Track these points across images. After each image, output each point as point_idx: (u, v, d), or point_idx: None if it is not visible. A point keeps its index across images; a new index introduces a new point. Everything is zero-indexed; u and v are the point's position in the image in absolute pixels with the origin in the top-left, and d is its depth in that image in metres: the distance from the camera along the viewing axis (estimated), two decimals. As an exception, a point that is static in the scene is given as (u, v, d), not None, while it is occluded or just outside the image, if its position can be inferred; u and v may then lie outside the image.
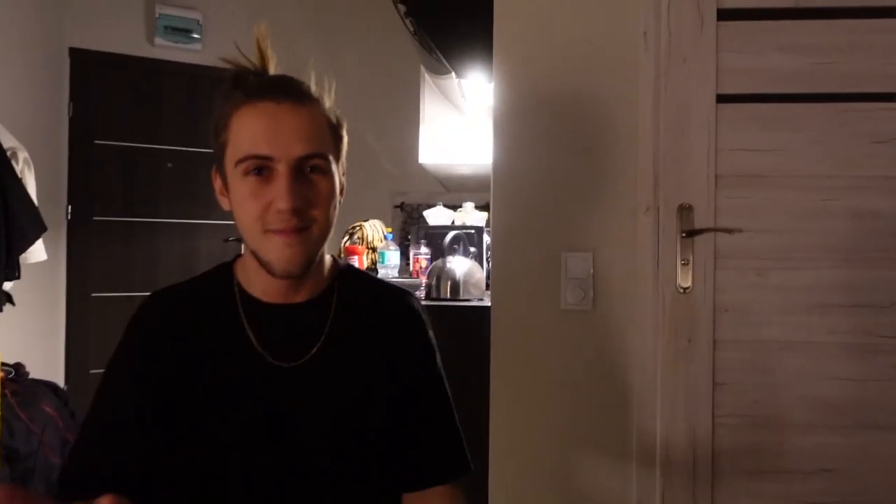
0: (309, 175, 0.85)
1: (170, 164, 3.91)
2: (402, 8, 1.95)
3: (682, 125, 1.64)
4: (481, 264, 2.33)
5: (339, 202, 0.91)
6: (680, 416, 1.62)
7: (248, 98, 0.85)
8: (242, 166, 0.83)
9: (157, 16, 3.82)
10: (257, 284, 0.91)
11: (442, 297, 2.07)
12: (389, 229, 2.74)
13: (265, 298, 0.91)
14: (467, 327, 1.85)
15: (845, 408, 1.61)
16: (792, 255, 1.62)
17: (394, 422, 0.91)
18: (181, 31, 3.87)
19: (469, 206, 2.75)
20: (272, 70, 0.91)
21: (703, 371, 1.62)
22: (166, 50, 3.86)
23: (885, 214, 1.61)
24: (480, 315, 1.76)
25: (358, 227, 2.61)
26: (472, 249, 2.37)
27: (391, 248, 2.48)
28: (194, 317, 0.90)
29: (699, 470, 1.61)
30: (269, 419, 0.83)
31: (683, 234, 1.62)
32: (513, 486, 1.70)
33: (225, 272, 0.95)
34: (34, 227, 2.53)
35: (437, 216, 2.78)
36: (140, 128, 3.86)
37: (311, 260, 0.87)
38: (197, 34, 3.89)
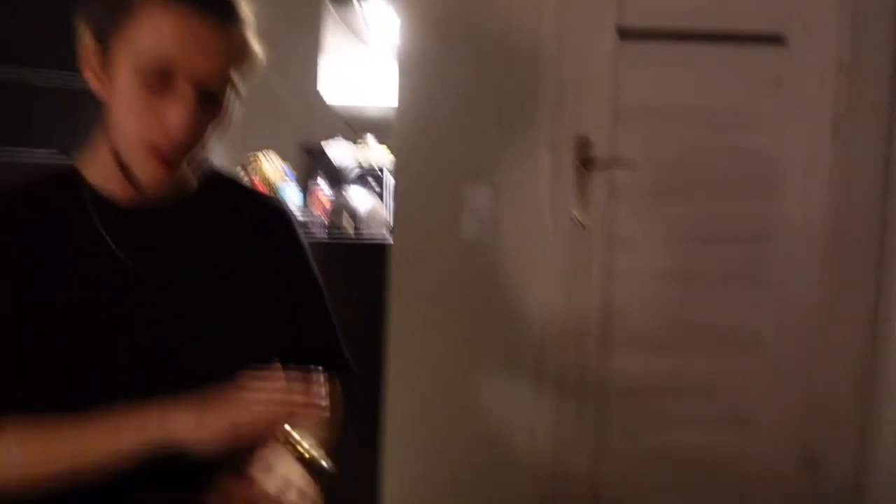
0: (211, 98, 0.76)
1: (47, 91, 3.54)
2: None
3: (584, 59, 1.64)
4: (386, 204, 2.28)
5: (218, 127, 0.83)
6: (572, 343, 1.68)
7: None
8: (142, 65, 0.72)
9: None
10: (115, 182, 0.80)
11: (345, 235, 2.01)
12: (288, 163, 2.61)
13: (124, 202, 0.80)
14: (370, 265, 1.81)
15: (726, 334, 1.72)
16: (682, 189, 1.68)
17: (269, 322, 0.86)
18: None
19: (371, 140, 2.66)
20: None
21: (597, 301, 1.68)
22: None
23: (765, 153, 1.69)
24: (383, 253, 1.73)
25: (253, 160, 2.47)
26: (376, 188, 2.31)
27: (289, 183, 2.37)
28: (35, 222, 0.78)
29: (588, 391, 1.68)
30: (137, 334, 0.76)
31: (580, 166, 1.64)
32: (411, 420, 1.71)
33: (64, 175, 0.82)
34: None
35: (338, 151, 2.68)
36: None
37: (177, 177, 0.80)
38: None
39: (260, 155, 2.40)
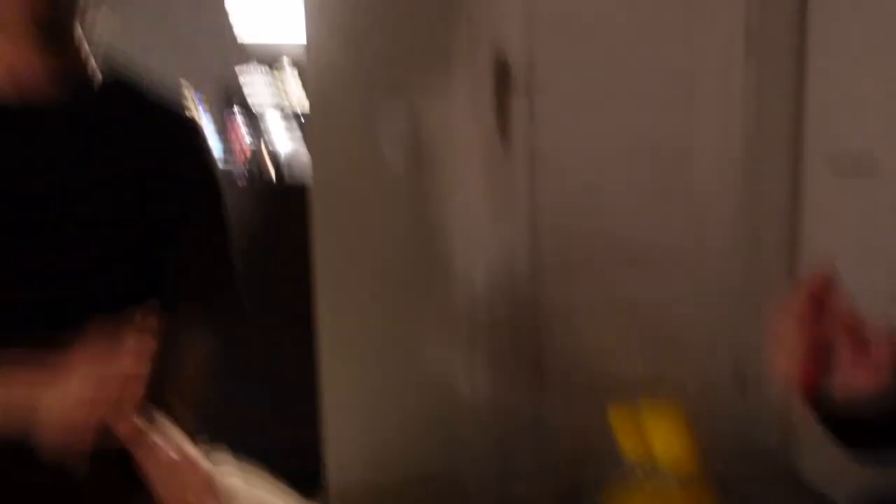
0: None
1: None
2: None
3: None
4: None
5: None
6: (501, 269, 1.66)
7: None
8: None
9: None
10: None
11: (265, 180, 1.93)
12: (205, 101, 2.39)
13: (8, 99, 0.72)
14: (293, 211, 1.73)
15: (651, 250, 1.71)
16: (604, 101, 1.66)
17: (161, 232, 0.79)
18: None
19: (287, 63, 2.44)
20: None
21: (522, 225, 1.66)
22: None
23: (674, 62, 1.67)
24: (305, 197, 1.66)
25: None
26: (298, 134, 2.20)
27: (202, 115, 2.18)
28: None
29: (523, 317, 1.68)
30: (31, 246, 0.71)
31: (500, 90, 1.60)
32: (343, 355, 1.67)
33: None
34: None
35: (253, 81, 2.46)
36: None
37: (54, 14, 0.70)
38: None
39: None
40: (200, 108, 2.24)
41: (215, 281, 0.85)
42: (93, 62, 0.78)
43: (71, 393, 0.62)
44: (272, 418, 1.74)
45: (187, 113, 0.91)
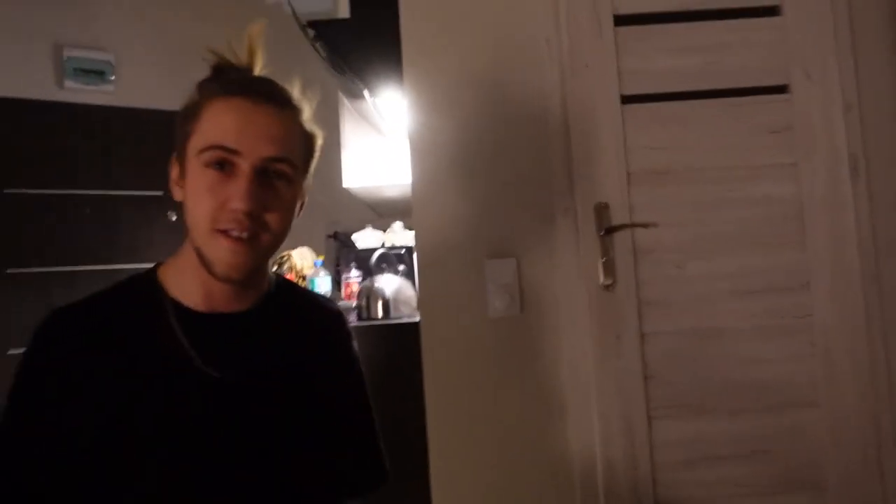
0: (272, 180, 0.80)
1: (88, 210, 3.74)
2: (310, 32, 1.93)
3: (591, 127, 1.66)
4: (413, 283, 2.30)
5: (297, 216, 0.86)
6: (615, 412, 1.62)
7: (225, 92, 0.80)
8: (205, 156, 0.78)
9: (64, 58, 3.68)
10: (194, 290, 0.84)
11: (373, 316, 2.03)
12: (321, 256, 2.69)
13: (202, 307, 0.84)
14: (400, 345, 1.80)
15: (770, 388, 1.64)
16: (703, 244, 1.65)
17: (319, 436, 0.86)
18: (92, 73, 3.73)
19: (398, 225, 2.73)
20: (257, 73, 0.87)
21: (633, 365, 1.63)
22: (76, 93, 3.71)
23: (779, 199, 1.67)
24: (412, 332, 1.73)
25: (286, 257, 2.55)
26: (402, 267, 2.34)
27: (321, 274, 2.43)
28: (115, 327, 0.80)
29: (640, 464, 1.61)
30: (213, 437, 0.75)
31: (602, 233, 1.64)
32: (452, 492, 1.65)
33: (144, 282, 0.86)
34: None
35: (366, 239, 2.75)
36: (54, 174, 3.68)
37: (255, 268, 0.82)
38: (110, 75, 3.77)
39: (293, 252, 2.46)
40: (317, 263, 2.42)
41: (372, 480, 0.92)
42: (270, 276, 0.89)
43: None
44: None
45: (335, 307, 1.00)
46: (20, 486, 0.73)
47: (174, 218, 3.76)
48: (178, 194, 0.84)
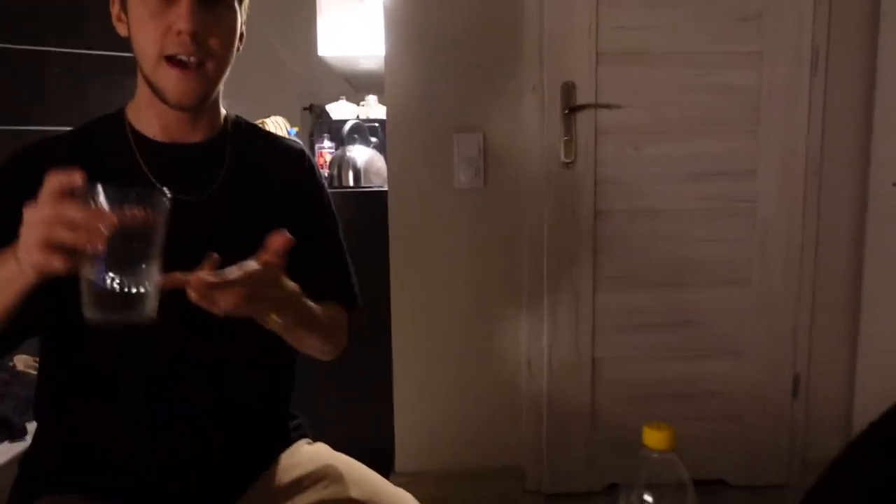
0: (212, 5, 0.81)
1: (57, 69, 3.61)
2: None
3: (566, 4, 1.66)
4: (385, 156, 2.33)
5: (239, 49, 0.88)
6: (565, 282, 1.74)
7: None
8: None
9: None
10: (152, 121, 0.87)
11: (344, 185, 2.07)
12: (297, 127, 2.68)
13: (161, 138, 0.88)
14: (370, 213, 1.86)
15: (708, 266, 1.76)
16: (665, 128, 1.71)
17: (294, 256, 0.92)
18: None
19: (372, 98, 2.71)
20: None
21: (585, 239, 1.72)
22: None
23: (739, 87, 1.71)
24: (382, 201, 1.78)
25: (261, 123, 2.54)
26: (374, 140, 2.36)
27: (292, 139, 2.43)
28: (82, 156, 0.81)
29: (581, 327, 1.75)
30: (176, 254, 0.81)
31: (566, 111, 1.68)
32: (413, 353, 1.79)
33: (112, 118, 0.90)
34: None
35: (340, 110, 2.73)
36: (21, 29, 3.51)
37: (206, 96, 0.85)
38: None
39: (267, 120, 2.45)
40: (291, 134, 2.42)
41: (348, 296, 0.99)
42: (221, 108, 0.92)
43: (29, 237, 0.63)
44: (350, 410, 1.88)
45: (298, 145, 1.04)
46: None
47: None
48: (122, 29, 0.86)
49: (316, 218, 0.98)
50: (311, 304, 0.85)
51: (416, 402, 1.80)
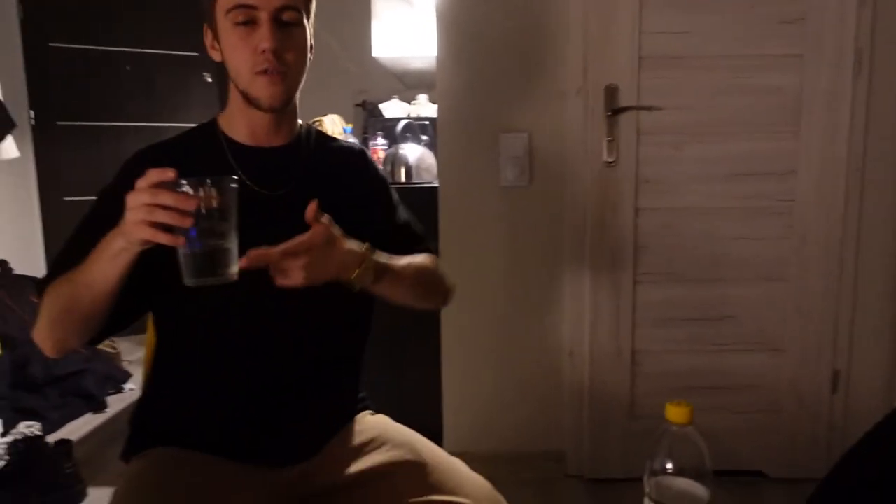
0: (286, 26, 0.97)
1: (128, 67, 3.84)
2: None
3: (609, 11, 1.72)
4: (435, 153, 2.43)
5: (310, 58, 1.02)
6: (606, 277, 1.81)
7: None
8: (232, 15, 0.95)
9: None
10: (242, 128, 1.03)
11: (396, 180, 2.18)
12: (350, 124, 2.81)
13: (249, 142, 1.03)
14: (421, 208, 1.95)
15: (746, 263, 1.81)
16: (705, 129, 1.76)
17: (372, 235, 1.05)
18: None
19: (423, 98, 2.82)
20: None
21: (626, 236, 1.79)
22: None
23: (781, 90, 1.74)
24: (432, 196, 1.89)
25: (318, 122, 2.67)
26: (425, 138, 2.46)
27: (350, 140, 2.57)
28: (185, 158, 0.97)
29: (622, 320, 1.82)
30: (260, 240, 0.87)
31: (609, 113, 1.74)
32: (461, 342, 1.90)
33: (208, 126, 1.07)
34: (4, 124, 2.55)
35: (392, 109, 2.85)
36: (95, 30, 3.75)
37: (289, 98, 1.01)
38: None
39: (325, 118, 2.59)
40: (347, 131, 2.56)
41: (430, 248, 1.14)
42: (297, 117, 1.06)
43: (130, 218, 0.77)
44: (401, 393, 2.00)
45: (357, 145, 1.18)
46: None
47: (209, 79, 3.85)
48: (216, 56, 1.03)
49: (379, 201, 1.12)
50: (390, 256, 0.97)
51: (464, 388, 1.91)
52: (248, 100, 0.99)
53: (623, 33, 1.72)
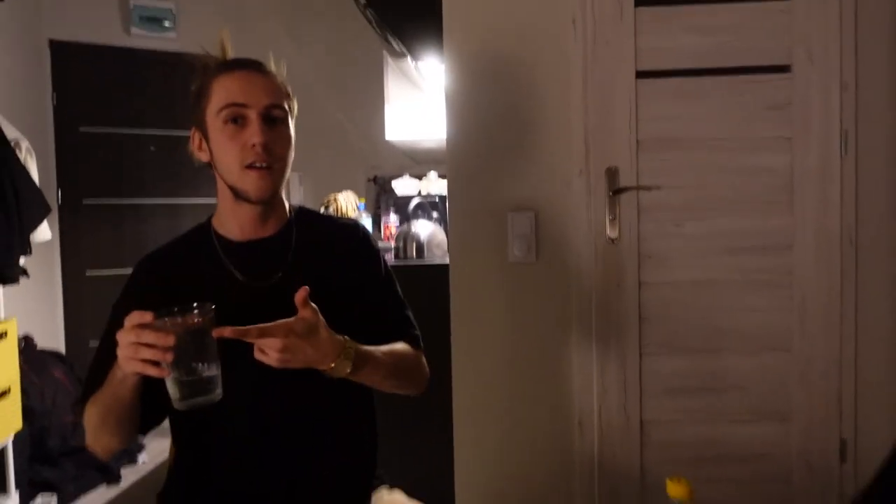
0: (273, 122, 1.06)
1: (153, 148, 4.03)
2: (361, 0, 2.11)
3: (607, 99, 1.84)
4: (445, 229, 2.53)
5: (292, 154, 1.11)
6: (613, 349, 1.86)
7: (226, 69, 1.08)
8: (223, 113, 1.04)
9: (131, 6, 3.90)
10: (232, 225, 1.10)
11: (408, 257, 2.27)
12: (362, 199, 2.93)
13: (239, 237, 1.10)
14: (432, 284, 2.04)
15: (750, 334, 1.86)
16: (701, 206, 1.84)
17: (358, 317, 1.10)
18: (155, 21, 3.95)
19: (433, 174, 2.95)
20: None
21: (631, 309, 1.85)
22: (142, 39, 3.94)
23: (772, 169, 1.83)
24: (443, 272, 1.96)
25: (332, 199, 2.79)
26: (436, 215, 2.57)
27: (363, 216, 2.67)
28: (182, 260, 1.10)
29: (629, 390, 1.86)
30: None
31: (611, 193, 1.84)
32: (472, 414, 1.93)
33: (203, 227, 1.16)
34: (41, 209, 2.70)
35: (404, 186, 2.97)
36: (122, 114, 3.96)
37: (276, 189, 1.09)
38: (170, 23, 3.98)
39: (339, 195, 2.71)
40: (360, 206, 2.67)
41: (412, 334, 1.17)
42: (286, 203, 1.15)
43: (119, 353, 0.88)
44: (416, 466, 2.02)
45: (356, 222, 1.27)
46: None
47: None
48: (203, 157, 1.12)
49: (374, 276, 1.18)
50: (371, 347, 1.03)
51: (475, 460, 1.92)
52: (237, 194, 1.07)
53: (621, 120, 1.83)
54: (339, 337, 0.98)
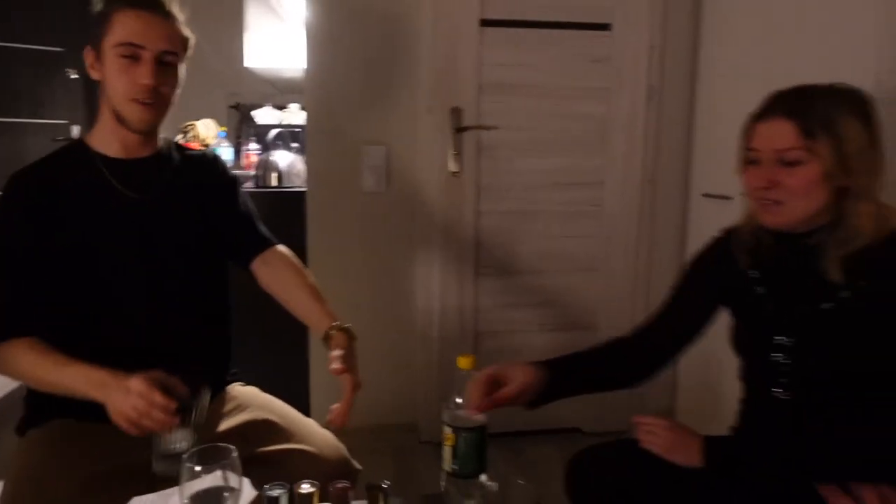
0: (164, 66, 1.12)
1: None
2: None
3: (454, 44, 1.99)
4: (304, 159, 2.59)
5: (178, 92, 1.18)
6: (453, 270, 2.08)
7: (129, 4, 1.11)
8: (120, 49, 1.09)
9: None
10: (114, 144, 1.16)
11: (268, 185, 2.33)
12: (223, 128, 2.89)
13: (121, 155, 1.17)
14: (290, 211, 2.13)
15: (565, 257, 2.15)
16: (532, 146, 2.08)
17: (222, 224, 1.24)
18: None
19: (294, 106, 2.96)
20: None
21: (469, 235, 2.08)
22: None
23: (594, 116, 2.10)
24: (301, 200, 2.07)
25: (191, 126, 2.74)
26: (295, 145, 2.62)
27: (223, 144, 2.66)
28: (61, 174, 1.14)
29: (466, 305, 2.10)
30: (134, 240, 1.10)
31: (455, 131, 2.02)
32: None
33: (77, 146, 1.19)
34: None
35: (265, 116, 2.97)
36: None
37: (157, 123, 1.17)
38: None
39: (198, 123, 2.67)
40: (220, 135, 2.65)
41: (267, 239, 1.30)
42: (165, 138, 1.22)
43: (121, 409, 0.97)
44: (272, 369, 2.16)
45: (209, 151, 1.36)
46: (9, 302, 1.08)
47: (74, 76, 3.74)
48: (95, 75, 1.16)
49: (231, 195, 1.29)
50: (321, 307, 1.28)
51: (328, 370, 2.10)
52: (120, 120, 1.13)
53: (465, 63, 1.99)
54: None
